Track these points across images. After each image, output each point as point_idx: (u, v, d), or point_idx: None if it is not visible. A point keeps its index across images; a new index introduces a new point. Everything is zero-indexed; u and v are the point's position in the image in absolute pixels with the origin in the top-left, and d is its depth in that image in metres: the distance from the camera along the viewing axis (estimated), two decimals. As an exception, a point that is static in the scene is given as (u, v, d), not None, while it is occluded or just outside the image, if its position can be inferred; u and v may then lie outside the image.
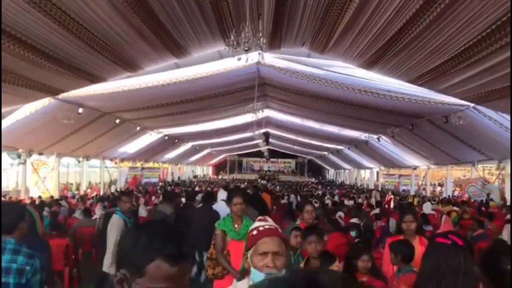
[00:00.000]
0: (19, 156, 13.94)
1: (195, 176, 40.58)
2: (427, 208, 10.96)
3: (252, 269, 1.95)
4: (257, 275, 1.91)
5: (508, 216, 9.52)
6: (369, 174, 30.80)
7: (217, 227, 4.31)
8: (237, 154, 47.07)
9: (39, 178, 16.30)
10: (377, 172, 29.12)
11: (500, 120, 10.58)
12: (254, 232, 2.02)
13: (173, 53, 8.16)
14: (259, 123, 20.70)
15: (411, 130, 14.11)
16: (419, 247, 3.97)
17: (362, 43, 7.10)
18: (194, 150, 31.34)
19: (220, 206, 6.87)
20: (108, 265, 5.07)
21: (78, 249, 7.49)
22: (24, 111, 10.70)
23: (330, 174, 46.86)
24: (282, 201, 15.35)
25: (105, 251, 5.19)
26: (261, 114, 16.45)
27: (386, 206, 15.05)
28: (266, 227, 2.02)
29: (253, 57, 9.46)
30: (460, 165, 19.18)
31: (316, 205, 8.94)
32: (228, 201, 4.46)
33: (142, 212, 10.22)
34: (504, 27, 5.18)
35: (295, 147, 34.19)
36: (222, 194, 7.97)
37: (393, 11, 5.59)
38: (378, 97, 10.58)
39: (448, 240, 2.09)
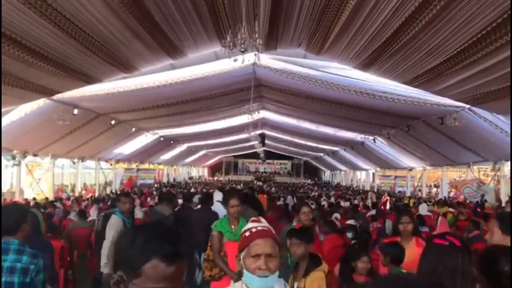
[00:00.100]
0: (13, 158, 13.84)
1: (190, 178, 40.49)
2: (423, 209, 10.98)
3: (244, 271, 1.92)
4: (250, 278, 1.88)
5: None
6: (365, 176, 30.85)
7: (213, 228, 4.29)
8: (233, 156, 47.00)
9: (33, 179, 16.21)
10: (373, 174, 29.15)
11: (495, 122, 10.62)
12: (247, 234, 1.98)
13: (168, 54, 8.14)
14: (255, 124, 20.70)
15: (407, 131, 14.14)
16: (415, 248, 3.97)
17: (358, 44, 7.11)
18: (190, 151, 31.27)
19: (216, 208, 6.84)
20: (103, 264, 5.05)
21: (73, 251, 7.43)
22: (19, 112, 10.63)
23: (326, 175, 46.89)
24: (278, 203, 15.34)
25: None
26: (257, 115, 16.48)
27: (382, 207, 15.04)
28: (259, 228, 1.98)
29: (249, 58, 9.44)
30: (456, 167, 19.23)
31: (313, 206, 8.92)
32: (225, 202, 4.44)
33: (138, 213, 10.16)
34: (500, 29, 5.20)
35: (291, 148, 34.22)
36: (217, 196, 7.94)
37: (389, 13, 5.60)
38: (374, 98, 10.60)
39: (446, 241, 2.09)
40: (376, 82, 9.67)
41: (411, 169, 21.82)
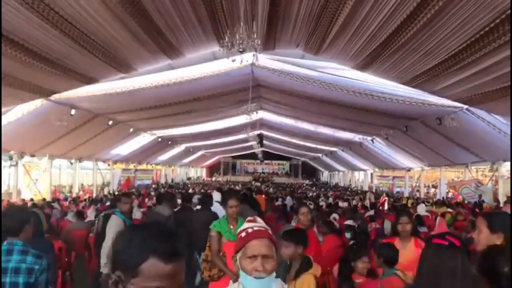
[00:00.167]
0: (10, 158, 13.79)
1: (188, 178, 40.46)
2: (421, 209, 10.98)
3: (241, 272, 1.87)
4: (246, 279, 1.83)
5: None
6: (363, 176, 30.87)
7: (212, 228, 4.27)
8: (231, 156, 46.99)
9: (31, 180, 16.15)
10: (371, 174, 29.18)
11: (493, 122, 10.63)
12: (243, 234, 1.93)
13: (166, 54, 8.12)
14: (253, 125, 20.69)
15: (405, 132, 14.14)
16: (414, 248, 3.97)
17: (356, 44, 7.11)
18: (188, 152, 31.25)
19: (215, 208, 6.84)
20: (102, 264, 5.04)
21: (71, 252, 7.41)
22: (16, 113, 10.60)
23: (324, 176, 46.92)
24: (276, 203, 15.34)
25: None
26: (255, 116, 16.47)
27: (380, 208, 15.06)
28: (255, 228, 1.93)
29: (248, 58, 9.43)
30: (454, 167, 19.27)
31: (311, 207, 8.92)
32: (223, 203, 4.42)
33: (137, 214, 10.14)
34: (498, 30, 5.21)
35: (289, 149, 34.23)
36: (216, 196, 7.93)
37: (387, 13, 5.60)
38: (372, 98, 10.60)
39: (445, 241, 2.08)
40: (374, 82, 9.67)
41: (409, 170, 21.83)
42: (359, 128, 16.87)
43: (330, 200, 18.02)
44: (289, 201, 14.69)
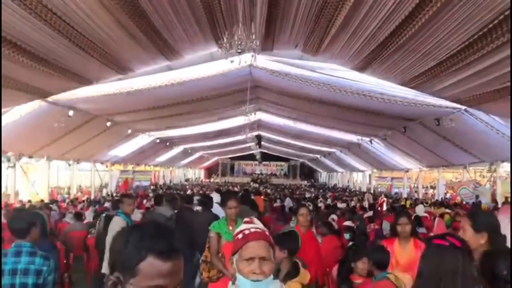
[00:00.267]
0: (8, 160, 13.76)
1: (187, 180, 40.44)
2: (420, 210, 11.00)
3: (237, 275, 1.83)
4: (243, 282, 1.79)
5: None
6: (362, 177, 30.89)
7: (211, 229, 4.26)
8: (229, 157, 46.96)
9: (28, 181, 16.11)
10: (370, 175, 29.21)
11: (491, 123, 10.65)
12: (240, 236, 1.88)
13: (164, 55, 8.11)
14: (251, 126, 20.68)
15: (403, 132, 14.14)
16: (414, 249, 3.97)
17: (355, 45, 7.10)
18: (186, 153, 31.24)
19: (215, 210, 6.84)
20: (106, 266, 5.02)
21: (69, 254, 7.39)
22: (13, 115, 10.57)
23: (323, 177, 46.94)
24: (275, 204, 15.34)
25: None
26: (253, 117, 16.45)
27: (379, 208, 15.07)
28: (252, 230, 1.87)
29: (246, 59, 9.42)
30: (452, 168, 19.29)
31: (310, 208, 8.92)
32: (223, 204, 4.42)
33: (136, 215, 10.12)
34: (496, 30, 5.21)
35: (288, 150, 34.23)
36: (215, 197, 7.93)
37: (386, 14, 5.59)
38: (370, 99, 10.59)
39: (446, 242, 2.07)
40: (372, 83, 9.67)
41: (407, 171, 21.86)
42: (358, 129, 16.88)
43: (329, 201, 18.02)
44: (288, 202, 14.68)
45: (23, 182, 15.82)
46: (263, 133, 26.49)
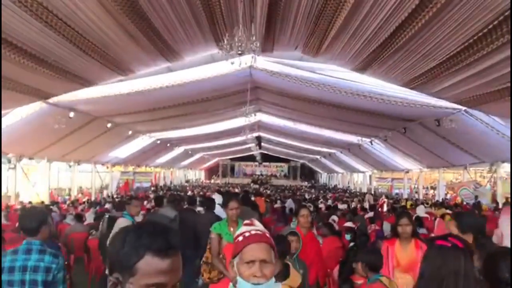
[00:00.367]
0: (9, 161, 13.77)
1: (187, 181, 40.43)
2: (421, 211, 11.00)
3: (238, 278, 1.79)
4: (244, 285, 1.75)
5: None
6: (362, 178, 30.89)
7: (212, 230, 4.27)
8: (230, 158, 46.98)
9: (29, 183, 16.12)
10: (370, 176, 29.20)
11: (491, 123, 10.66)
12: (240, 238, 1.83)
13: (165, 56, 8.12)
14: (251, 127, 20.68)
15: (404, 133, 14.15)
16: (415, 250, 3.97)
17: (355, 46, 7.11)
18: (187, 154, 31.24)
19: (217, 211, 6.84)
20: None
21: (70, 255, 7.39)
22: (14, 116, 10.59)
23: (323, 177, 46.93)
24: (275, 205, 15.34)
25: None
26: (253, 118, 16.45)
27: (380, 209, 15.08)
28: (252, 232, 1.83)
29: (246, 60, 9.43)
30: (452, 168, 19.29)
31: (310, 209, 8.93)
32: (224, 205, 4.42)
33: (139, 216, 10.13)
34: (496, 31, 5.21)
35: (288, 151, 34.22)
36: (217, 199, 7.93)
37: (386, 15, 5.60)
38: (370, 100, 10.60)
39: (448, 242, 2.08)
40: (372, 84, 9.68)
41: (408, 171, 21.85)
42: (358, 130, 16.88)
43: (329, 202, 18.02)
44: (290, 203, 14.65)
45: (24, 183, 15.82)
46: (263, 134, 26.48)
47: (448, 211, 11.72)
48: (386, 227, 8.31)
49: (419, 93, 9.25)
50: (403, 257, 3.96)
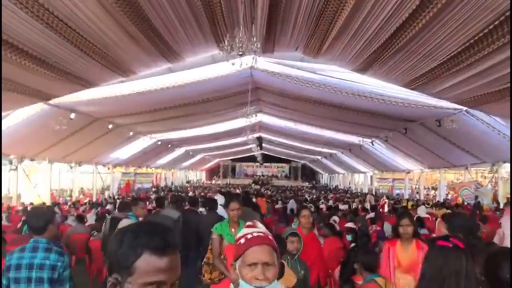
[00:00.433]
0: (10, 162, 13.79)
1: (188, 181, 40.44)
2: (422, 211, 10.99)
3: (240, 281, 1.75)
4: None
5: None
6: (363, 178, 30.88)
7: (213, 231, 4.27)
8: (231, 159, 47.00)
9: (30, 184, 16.13)
10: (371, 176, 29.19)
11: (492, 124, 10.65)
12: (242, 241, 1.79)
13: (166, 57, 8.13)
14: (252, 128, 20.68)
15: (405, 134, 14.16)
16: (416, 250, 3.97)
17: (355, 47, 7.11)
18: (188, 155, 31.25)
19: (220, 211, 6.85)
20: None
21: (71, 256, 7.39)
22: (15, 117, 10.60)
23: (324, 178, 46.90)
24: (276, 206, 15.34)
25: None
26: (254, 119, 16.45)
27: (381, 210, 15.06)
28: (254, 234, 1.79)
29: (247, 61, 9.44)
30: (453, 169, 19.28)
31: (311, 209, 8.93)
32: (225, 206, 4.42)
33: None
34: (496, 31, 5.22)
35: (289, 151, 34.21)
36: (219, 199, 7.93)
37: (386, 15, 5.60)
38: (371, 101, 10.60)
39: (450, 243, 2.08)
40: (373, 84, 9.68)
41: (409, 172, 21.83)
42: (359, 131, 16.87)
43: (330, 202, 18.01)
44: (292, 204, 14.65)
45: (25, 184, 15.84)
46: (264, 135, 26.49)
47: (449, 211, 11.72)
48: (387, 227, 8.31)
49: (420, 93, 9.25)
50: (404, 257, 3.96)
